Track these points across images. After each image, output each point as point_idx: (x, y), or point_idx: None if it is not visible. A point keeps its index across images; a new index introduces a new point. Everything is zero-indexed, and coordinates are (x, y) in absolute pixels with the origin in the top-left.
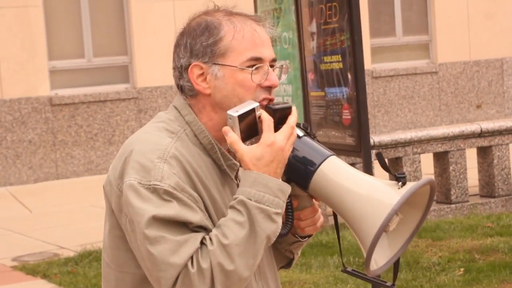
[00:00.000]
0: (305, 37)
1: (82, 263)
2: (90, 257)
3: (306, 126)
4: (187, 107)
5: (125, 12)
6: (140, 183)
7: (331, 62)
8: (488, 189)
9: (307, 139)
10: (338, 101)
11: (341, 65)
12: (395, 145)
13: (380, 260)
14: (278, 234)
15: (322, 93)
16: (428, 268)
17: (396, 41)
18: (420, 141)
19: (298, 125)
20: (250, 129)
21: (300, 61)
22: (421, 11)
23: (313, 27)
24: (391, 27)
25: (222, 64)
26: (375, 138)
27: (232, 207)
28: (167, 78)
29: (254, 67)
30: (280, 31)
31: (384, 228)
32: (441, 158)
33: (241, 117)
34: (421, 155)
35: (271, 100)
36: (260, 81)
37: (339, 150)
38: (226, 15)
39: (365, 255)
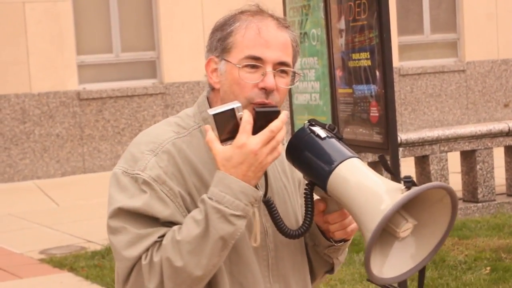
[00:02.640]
0: (333, 34)
1: (108, 257)
2: None
3: (333, 127)
4: (206, 104)
5: (153, 8)
6: (125, 172)
7: (359, 59)
8: None
9: (330, 140)
10: (365, 98)
11: (369, 62)
12: (422, 143)
13: (394, 269)
14: (236, 237)
15: (350, 90)
16: (454, 267)
17: (424, 39)
18: (447, 140)
19: (323, 126)
20: (234, 131)
21: (328, 58)
22: (449, 9)
23: (342, 24)
24: (419, 25)
25: (226, 60)
26: (402, 136)
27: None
28: (194, 74)
29: (244, 65)
30: (309, 28)
31: (381, 227)
32: (468, 157)
33: (218, 117)
34: (448, 153)
35: (266, 104)
36: (254, 81)
37: (366, 147)
38: (250, 14)
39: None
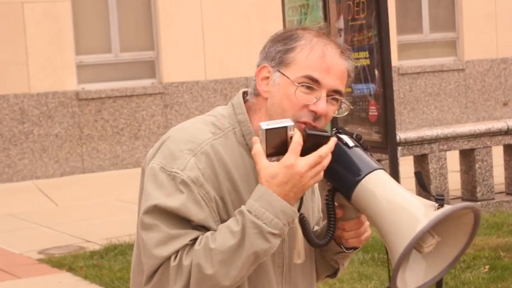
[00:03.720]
0: (332, 33)
1: (107, 257)
2: (116, 251)
3: (360, 137)
4: (242, 106)
5: (152, 8)
6: (163, 168)
7: (358, 59)
8: None
9: (357, 150)
10: (364, 97)
11: (368, 61)
12: (421, 142)
13: (413, 280)
14: (269, 254)
15: (349, 89)
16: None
17: (423, 38)
18: (446, 138)
19: (351, 135)
20: (281, 147)
21: None
22: (448, 8)
23: (341, 23)
24: (418, 24)
25: (282, 73)
26: (401, 135)
27: (234, 215)
28: (193, 73)
29: (301, 84)
30: None
31: (412, 245)
32: (467, 156)
33: (270, 132)
34: (447, 152)
35: (313, 126)
36: (307, 102)
37: None
38: (314, 34)
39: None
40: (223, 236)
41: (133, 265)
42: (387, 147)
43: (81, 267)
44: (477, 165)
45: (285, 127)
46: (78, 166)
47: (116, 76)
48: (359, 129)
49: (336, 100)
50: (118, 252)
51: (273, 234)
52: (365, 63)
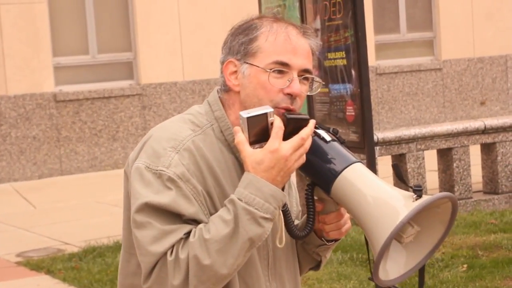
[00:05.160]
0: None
1: (86, 259)
2: (94, 253)
3: (336, 131)
4: (218, 103)
5: (130, 9)
6: (148, 167)
7: (335, 59)
8: (491, 185)
9: (334, 144)
10: (342, 97)
11: (345, 61)
12: (399, 141)
13: (395, 270)
14: (263, 238)
15: (326, 90)
16: (431, 264)
17: (400, 37)
18: (424, 138)
19: (327, 130)
20: (263, 134)
21: None
22: (425, 7)
23: (317, 24)
24: (395, 23)
25: (250, 64)
26: (379, 134)
27: (224, 204)
28: (171, 75)
29: (272, 70)
30: None
31: (393, 236)
32: (444, 155)
33: (252, 120)
34: (425, 151)
35: (291, 110)
36: (281, 87)
37: None
38: (272, 20)
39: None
40: (216, 226)
41: (121, 268)
42: (364, 147)
43: (59, 269)
44: (454, 164)
45: (266, 114)
46: (56, 168)
47: (94, 78)
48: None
49: (307, 79)
50: (97, 254)
51: (265, 219)
52: (342, 63)
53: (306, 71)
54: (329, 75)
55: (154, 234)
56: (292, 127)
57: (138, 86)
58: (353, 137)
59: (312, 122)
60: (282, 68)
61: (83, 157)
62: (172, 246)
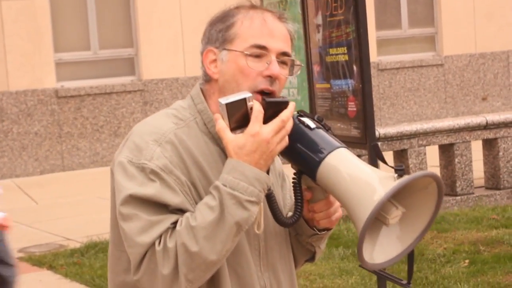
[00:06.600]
0: (310, 29)
1: (88, 254)
2: (96, 248)
3: (321, 119)
4: (201, 96)
5: (131, 5)
6: (131, 161)
7: (336, 54)
8: (493, 181)
9: (319, 131)
10: (343, 93)
11: (346, 57)
12: (401, 137)
13: (382, 254)
14: (250, 222)
15: (328, 85)
16: (433, 260)
17: (402, 33)
18: (425, 133)
19: (312, 117)
20: (243, 120)
21: (306, 53)
22: (427, 3)
23: (319, 19)
24: (397, 19)
25: (228, 49)
26: (380, 130)
27: (209, 192)
28: (173, 70)
29: (251, 53)
30: None
31: (373, 215)
32: (446, 150)
33: (231, 106)
34: (427, 147)
35: (271, 92)
36: (260, 69)
37: (344, 142)
38: (249, 7)
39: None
40: (202, 213)
41: (111, 266)
42: (366, 143)
43: (61, 265)
44: (456, 160)
45: (244, 99)
46: (58, 164)
47: (95, 74)
48: (338, 124)
49: (285, 63)
50: (99, 249)
51: (251, 202)
52: (343, 59)
53: (285, 54)
54: (331, 70)
55: (141, 225)
56: (272, 111)
57: (139, 82)
58: (354, 132)
59: (292, 104)
60: (260, 51)
61: (84, 153)
62: (160, 236)
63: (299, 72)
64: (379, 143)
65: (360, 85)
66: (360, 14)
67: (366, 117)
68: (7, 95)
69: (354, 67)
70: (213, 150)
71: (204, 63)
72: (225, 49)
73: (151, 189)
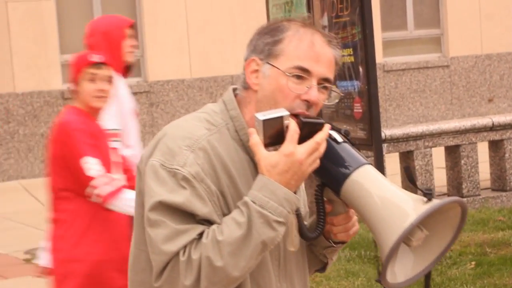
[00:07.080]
0: None
1: None
2: None
3: (348, 133)
4: (234, 102)
5: (137, 6)
6: (163, 165)
7: (342, 56)
8: (499, 182)
9: (345, 145)
10: (349, 94)
11: (352, 58)
12: (407, 138)
13: (402, 273)
14: (276, 242)
15: (334, 87)
16: (439, 262)
17: (408, 34)
18: (431, 135)
19: (339, 131)
20: (277, 137)
21: None
22: (433, 4)
23: (325, 21)
24: (403, 20)
25: (272, 65)
26: (386, 131)
27: (237, 206)
28: (179, 72)
29: (292, 74)
30: None
31: (402, 239)
32: (452, 152)
33: (267, 123)
34: (433, 148)
35: (307, 115)
36: (299, 92)
37: None
38: (300, 24)
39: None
40: (229, 228)
41: (131, 264)
42: (372, 144)
43: None
44: (462, 162)
45: (281, 117)
46: None
47: None
48: (344, 126)
49: (326, 88)
50: None
51: (279, 222)
52: (349, 60)
53: (326, 80)
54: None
55: (167, 233)
56: (306, 131)
57: (145, 83)
58: (360, 134)
59: (327, 127)
60: (302, 73)
61: None
62: (185, 246)
63: (336, 100)
64: (384, 144)
65: (366, 87)
66: (366, 15)
67: (372, 119)
68: (13, 97)
69: (360, 69)
70: (242, 157)
71: (246, 71)
72: (269, 63)
73: (181, 197)
